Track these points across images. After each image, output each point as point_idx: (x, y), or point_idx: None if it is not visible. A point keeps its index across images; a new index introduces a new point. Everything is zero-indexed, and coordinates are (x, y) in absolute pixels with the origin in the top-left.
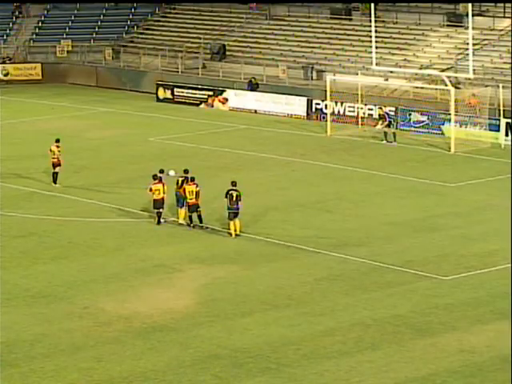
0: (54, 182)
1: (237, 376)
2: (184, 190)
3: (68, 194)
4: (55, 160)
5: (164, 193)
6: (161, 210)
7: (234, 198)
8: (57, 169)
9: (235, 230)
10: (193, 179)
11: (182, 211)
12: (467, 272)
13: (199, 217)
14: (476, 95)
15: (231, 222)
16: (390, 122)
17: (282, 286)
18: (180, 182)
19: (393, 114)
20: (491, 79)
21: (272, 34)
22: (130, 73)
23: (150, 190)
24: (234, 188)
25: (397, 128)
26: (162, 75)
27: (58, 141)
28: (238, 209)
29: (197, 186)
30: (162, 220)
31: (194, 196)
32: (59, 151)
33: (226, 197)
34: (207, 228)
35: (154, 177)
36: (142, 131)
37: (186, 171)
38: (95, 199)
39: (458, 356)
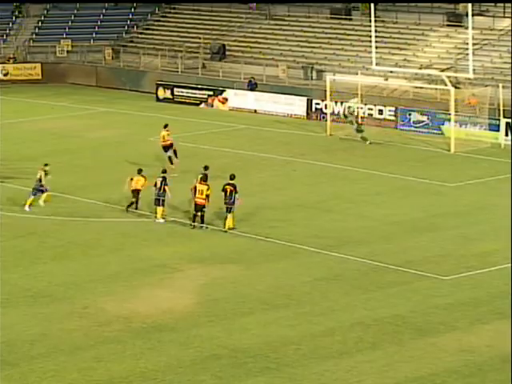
0: (171, 162)
1: (236, 376)
2: (195, 188)
3: (68, 193)
4: (166, 143)
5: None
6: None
7: (228, 193)
8: (169, 152)
9: (225, 225)
10: (205, 179)
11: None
12: (467, 272)
13: (201, 217)
14: (476, 95)
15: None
16: (356, 125)
17: (282, 286)
18: (199, 179)
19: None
20: (491, 79)
21: (272, 34)
22: (129, 73)
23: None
24: (230, 182)
25: (396, 128)
26: (162, 75)
27: (166, 126)
28: (232, 203)
29: (208, 188)
30: None
31: (204, 196)
32: (168, 134)
33: (222, 191)
34: (207, 228)
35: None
36: (142, 131)
37: (205, 168)
38: (95, 199)
39: (458, 356)
